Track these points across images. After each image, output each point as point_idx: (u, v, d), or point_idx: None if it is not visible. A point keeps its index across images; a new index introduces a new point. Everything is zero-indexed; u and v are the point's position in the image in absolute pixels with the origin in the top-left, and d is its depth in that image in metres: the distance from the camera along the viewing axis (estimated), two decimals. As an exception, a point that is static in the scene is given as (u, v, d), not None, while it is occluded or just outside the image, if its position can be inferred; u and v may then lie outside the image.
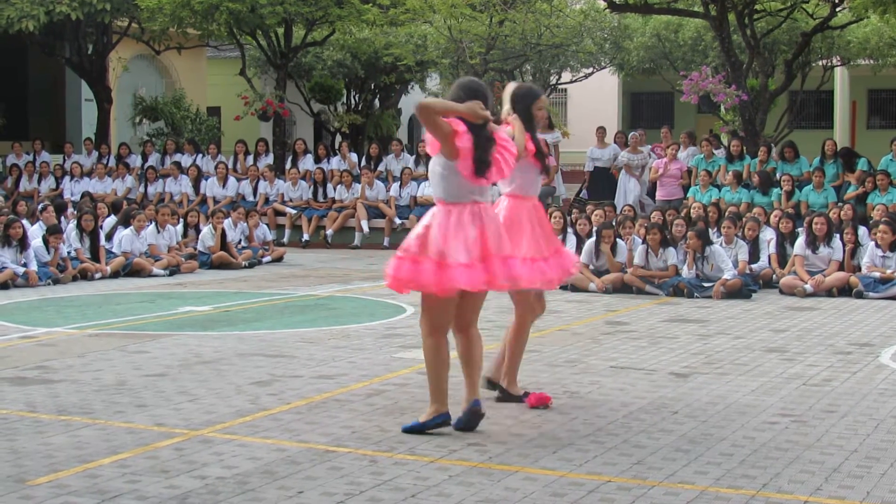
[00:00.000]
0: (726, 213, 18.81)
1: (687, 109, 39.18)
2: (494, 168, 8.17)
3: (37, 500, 6.49)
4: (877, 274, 16.75)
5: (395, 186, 25.72)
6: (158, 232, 20.10)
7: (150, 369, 10.53)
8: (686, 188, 23.50)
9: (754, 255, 17.80)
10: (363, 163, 27.18)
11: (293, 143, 28.45)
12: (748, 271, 17.31)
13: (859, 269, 17.18)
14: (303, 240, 25.34)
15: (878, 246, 17.03)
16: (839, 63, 35.06)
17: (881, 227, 17.08)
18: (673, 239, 17.51)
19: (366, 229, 25.21)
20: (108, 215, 21.51)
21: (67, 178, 27.96)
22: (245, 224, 22.15)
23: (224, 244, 20.80)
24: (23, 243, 17.73)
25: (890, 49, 32.67)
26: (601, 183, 25.72)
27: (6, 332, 12.94)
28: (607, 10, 29.91)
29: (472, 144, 8.03)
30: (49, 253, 18.17)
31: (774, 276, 17.74)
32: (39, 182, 28.15)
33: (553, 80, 38.01)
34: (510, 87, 9.05)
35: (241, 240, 21.88)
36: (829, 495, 6.67)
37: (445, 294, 7.97)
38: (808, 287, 16.87)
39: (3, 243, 17.59)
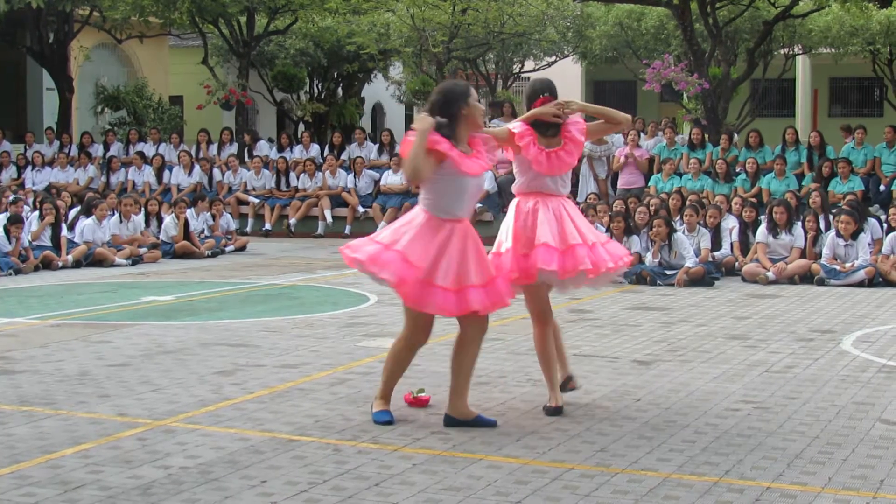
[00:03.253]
0: (688, 201, 18.87)
1: (650, 98, 39.27)
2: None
3: (-2, 491, 6.47)
4: (837, 266, 16.87)
5: (362, 175, 25.67)
6: (122, 222, 20.01)
7: (112, 359, 10.49)
8: (647, 176, 23.56)
9: (716, 243, 17.87)
10: (326, 151, 27.15)
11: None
12: (711, 259, 17.38)
13: (821, 256, 17.28)
14: (264, 229, 25.29)
15: (839, 235, 17.13)
16: (801, 51, 35.23)
17: (842, 216, 17.16)
18: (636, 227, 17.56)
19: (329, 218, 25.18)
20: (73, 206, 21.43)
21: (29, 167, 27.80)
22: (208, 213, 22.09)
23: (187, 234, 20.75)
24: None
25: (851, 38, 32.82)
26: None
27: (-33, 323, 12.87)
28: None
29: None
30: (10, 243, 18.07)
31: (737, 263, 17.82)
32: (0, 172, 27.99)
33: (516, 68, 38.03)
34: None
35: (203, 229, 21.82)
36: (792, 481, 6.70)
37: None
38: (770, 274, 16.95)
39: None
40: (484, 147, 8.12)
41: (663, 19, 33.05)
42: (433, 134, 7.79)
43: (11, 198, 20.26)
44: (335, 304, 14.51)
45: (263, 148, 27.56)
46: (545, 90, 8.57)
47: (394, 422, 8.07)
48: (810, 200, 18.82)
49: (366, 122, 40.10)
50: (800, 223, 17.74)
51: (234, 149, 27.63)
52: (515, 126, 8.42)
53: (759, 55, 29.66)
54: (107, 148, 28.42)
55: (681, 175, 22.84)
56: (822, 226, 17.93)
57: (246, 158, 27.09)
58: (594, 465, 7.02)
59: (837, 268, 16.84)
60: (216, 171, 26.46)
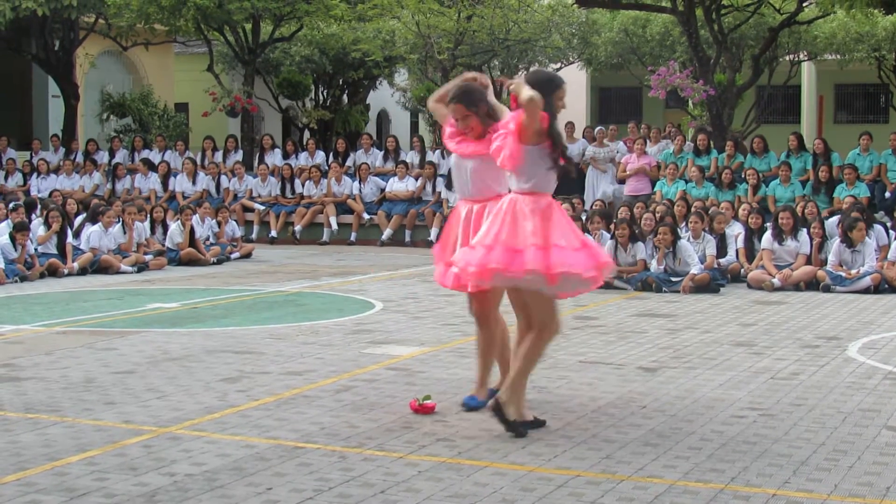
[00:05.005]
0: (693, 208, 18.87)
1: (655, 104, 39.21)
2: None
3: (4, 498, 6.46)
4: (843, 273, 16.86)
5: (367, 181, 25.67)
6: (125, 233, 20.00)
7: (118, 366, 10.50)
8: (654, 183, 23.57)
9: (721, 250, 17.85)
10: (331, 158, 27.15)
11: (260, 139, 28.48)
12: (716, 266, 17.36)
13: (827, 262, 17.26)
14: (270, 236, 25.30)
15: (843, 242, 17.12)
16: (806, 58, 35.19)
17: (858, 223, 17.12)
18: (641, 234, 17.55)
19: (334, 225, 25.17)
20: (79, 213, 21.46)
21: (35, 174, 27.83)
22: (213, 220, 22.12)
23: (192, 241, 20.76)
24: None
25: (856, 44, 32.78)
26: (570, 178, 25.67)
27: (-27, 330, 12.88)
28: (575, 5, 29.95)
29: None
30: (16, 250, 18.08)
31: (742, 270, 17.80)
32: (6, 179, 28.03)
33: (521, 75, 38.00)
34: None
35: (209, 236, 21.84)
36: (798, 488, 6.70)
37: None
38: (776, 281, 16.94)
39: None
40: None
41: (668, 26, 33.01)
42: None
43: (12, 204, 20.26)
44: (340, 311, 14.50)
45: (276, 157, 27.55)
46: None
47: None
48: (807, 212, 18.78)
49: (371, 129, 40.11)
50: (805, 230, 17.73)
51: (239, 156, 27.65)
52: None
53: (765, 62, 29.62)
54: (112, 155, 28.46)
55: (687, 181, 22.84)
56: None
57: (255, 165, 27.11)
58: (600, 473, 7.02)
59: (843, 274, 16.82)
60: (222, 178, 26.47)
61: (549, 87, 8.02)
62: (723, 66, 26.62)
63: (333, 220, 25.14)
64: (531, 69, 8.04)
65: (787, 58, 33.83)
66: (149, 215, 21.44)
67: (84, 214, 21.06)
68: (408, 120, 44.36)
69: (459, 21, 28.81)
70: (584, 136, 26.93)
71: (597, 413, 8.57)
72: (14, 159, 28.57)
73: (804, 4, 26.87)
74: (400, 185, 25.20)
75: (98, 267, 19.13)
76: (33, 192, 26.48)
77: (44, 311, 14.71)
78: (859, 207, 18.62)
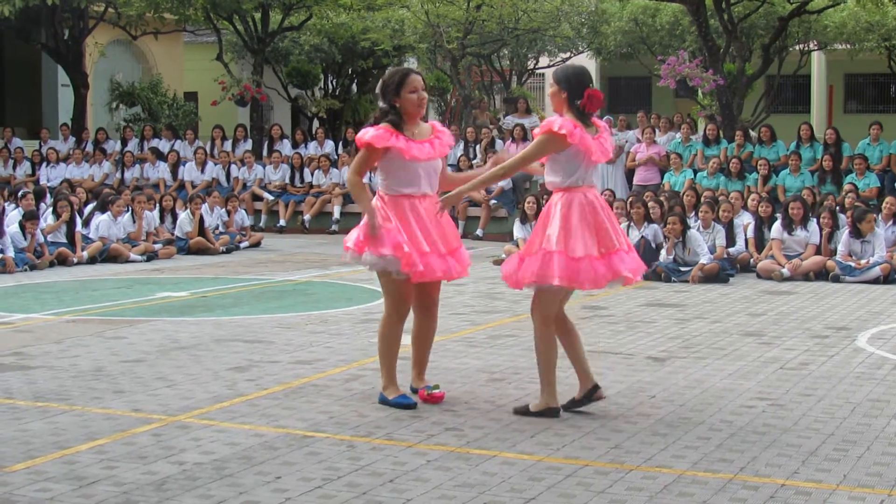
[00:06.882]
0: (703, 198, 18.84)
1: (664, 94, 39.17)
2: None
3: (14, 486, 6.47)
4: (852, 263, 16.85)
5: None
6: (134, 222, 20.03)
7: (127, 355, 10.51)
8: (663, 173, 23.55)
9: (730, 239, 17.83)
10: (340, 148, 27.14)
11: (269, 129, 28.48)
12: (726, 255, 17.34)
13: (836, 252, 17.25)
14: (279, 225, 25.29)
15: (852, 234, 17.12)
16: (816, 47, 35.12)
17: (867, 215, 17.12)
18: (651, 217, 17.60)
19: (336, 215, 25.11)
20: (88, 202, 21.47)
21: (44, 164, 27.84)
22: (222, 209, 22.13)
23: (202, 230, 20.77)
24: (-1, 230, 17.69)
25: (866, 33, 32.71)
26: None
27: (-18, 319, 12.90)
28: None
29: None
30: (26, 239, 18.10)
31: (752, 260, 17.78)
32: (15, 168, 28.05)
33: (531, 64, 38.00)
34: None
35: (218, 225, 21.85)
36: (806, 478, 6.69)
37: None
38: (786, 271, 16.92)
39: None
40: (443, 134, 8.61)
41: (678, 15, 32.95)
42: (377, 129, 8.43)
43: (21, 191, 20.27)
44: (349, 301, 14.51)
45: (286, 147, 27.53)
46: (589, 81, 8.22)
47: (416, 405, 8.37)
48: (825, 202, 18.77)
49: (380, 119, 40.02)
50: (815, 219, 17.71)
51: (248, 145, 27.66)
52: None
53: (775, 51, 29.57)
54: (124, 144, 28.49)
55: (696, 171, 22.82)
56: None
57: (264, 154, 27.12)
58: (609, 462, 7.01)
59: (853, 264, 16.81)
60: (232, 167, 26.48)
61: None
62: (732, 55, 26.57)
63: (337, 210, 25.03)
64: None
65: (797, 47, 33.78)
66: (158, 204, 21.46)
67: (93, 203, 21.07)
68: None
69: (469, 10, 28.80)
70: (593, 126, 26.89)
71: (605, 403, 8.55)
72: (21, 148, 28.58)
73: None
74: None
75: (107, 256, 19.15)
76: (42, 182, 26.48)
77: (53, 299, 14.73)
78: (866, 200, 18.61)
